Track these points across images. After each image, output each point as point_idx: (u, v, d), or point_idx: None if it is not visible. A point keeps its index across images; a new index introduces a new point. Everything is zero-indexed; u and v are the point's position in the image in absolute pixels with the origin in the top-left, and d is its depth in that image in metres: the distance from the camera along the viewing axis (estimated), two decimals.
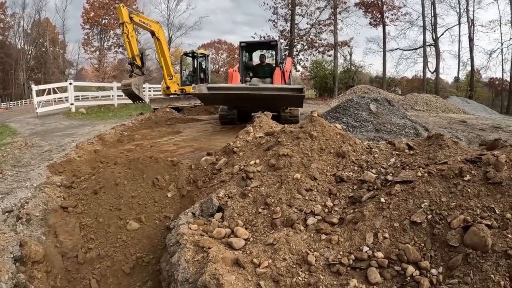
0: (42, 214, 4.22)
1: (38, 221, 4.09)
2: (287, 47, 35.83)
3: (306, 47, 37.83)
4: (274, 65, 12.50)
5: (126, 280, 3.97)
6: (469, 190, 3.17)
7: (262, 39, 33.84)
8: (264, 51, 15.32)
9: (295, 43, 37.06)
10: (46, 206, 4.37)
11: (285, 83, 11.62)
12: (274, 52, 13.59)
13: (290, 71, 14.26)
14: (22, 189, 5.42)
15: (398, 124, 10.03)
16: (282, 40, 37.17)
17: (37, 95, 17.20)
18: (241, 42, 12.75)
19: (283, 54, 15.96)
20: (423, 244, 2.95)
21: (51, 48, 60.82)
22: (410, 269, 2.81)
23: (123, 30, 14.38)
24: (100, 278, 3.97)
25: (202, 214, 3.77)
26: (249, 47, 13.40)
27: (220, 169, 4.96)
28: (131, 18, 14.37)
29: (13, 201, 4.91)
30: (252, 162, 4.40)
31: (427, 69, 42.39)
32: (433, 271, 2.77)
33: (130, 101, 16.48)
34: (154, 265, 3.99)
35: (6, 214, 4.41)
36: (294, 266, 2.96)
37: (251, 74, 12.71)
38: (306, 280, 2.87)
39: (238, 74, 11.75)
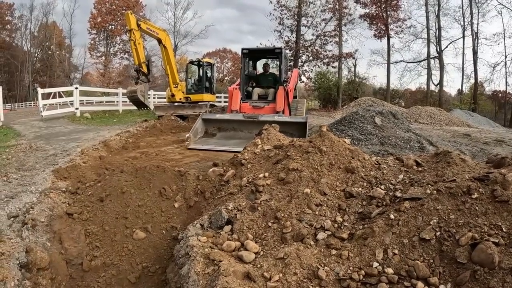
0: (47, 220, 4.20)
1: (44, 227, 4.07)
2: (292, 58, 35.90)
3: (311, 58, 37.97)
4: (278, 75, 11.77)
5: None
6: (477, 208, 3.18)
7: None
8: (269, 60, 14.67)
9: (300, 54, 37.17)
10: (52, 212, 4.36)
11: (288, 104, 11.11)
12: (278, 62, 12.31)
13: (295, 86, 13.76)
14: (27, 193, 5.39)
15: (403, 138, 9.96)
16: (287, 51, 37.31)
17: (43, 98, 17.19)
18: (243, 49, 11.93)
19: (288, 65, 14.92)
20: (432, 261, 2.95)
21: (57, 52, 61.15)
22: (420, 285, 2.80)
23: (130, 37, 14.38)
24: (105, 286, 3.93)
25: (211, 226, 3.74)
26: (251, 54, 12.59)
27: (228, 181, 4.95)
28: (138, 25, 14.39)
29: (18, 206, 4.88)
30: (261, 175, 4.38)
31: (431, 82, 42.49)
32: (442, 287, 2.78)
33: (134, 107, 16.43)
34: (160, 275, 3.96)
35: (12, 219, 4.39)
36: (305, 280, 2.95)
37: (253, 84, 12.23)
38: None
39: (239, 93, 11.19)
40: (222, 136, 9.69)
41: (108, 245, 4.22)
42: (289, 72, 13.70)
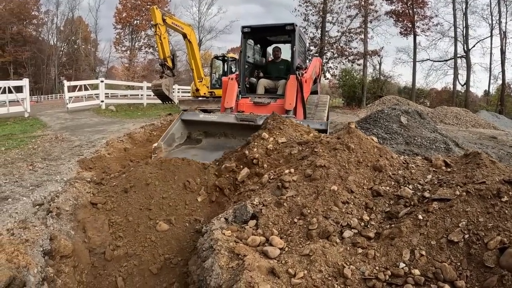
0: (72, 209, 4.22)
1: (68, 215, 4.09)
2: (316, 55, 35.62)
3: (336, 55, 37.67)
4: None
5: (153, 280, 3.92)
6: (506, 211, 3.06)
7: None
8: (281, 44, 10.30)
9: (325, 51, 36.89)
10: (76, 201, 4.38)
11: (303, 101, 8.12)
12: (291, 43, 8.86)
13: (317, 78, 11.06)
14: (53, 182, 5.47)
15: (428, 138, 9.83)
16: (312, 47, 36.95)
17: (69, 91, 17.52)
18: (243, 28, 8.86)
19: (306, 49, 11.56)
20: (459, 264, 2.85)
21: (83, 46, 62.32)
22: None
23: (155, 31, 14.50)
24: (127, 276, 3.93)
25: (236, 220, 3.68)
26: (256, 34, 9.45)
27: (243, 181, 4.90)
28: (164, 20, 14.49)
29: (43, 194, 4.96)
30: (286, 171, 4.29)
31: (457, 82, 41.62)
32: None
33: (159, 101, 16.61)
34: (182, 267, 3.93)
35: (37, 207, 4.44)
36: (330, 278, 2.87)
37: (261, 74, 9.57)
38: None
39: (235, 85, 8.62)
40: (208, 144, 7.45)
41: (131, 236, 4.22)
42: (308, 62, 10.92)
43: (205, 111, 14.80)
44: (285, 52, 9.44)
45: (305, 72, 8.74)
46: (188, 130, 7.65)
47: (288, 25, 8.50)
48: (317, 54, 35.00)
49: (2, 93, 14.37)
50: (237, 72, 9.40)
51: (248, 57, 9.52)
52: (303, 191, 3.86)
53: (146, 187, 4.68)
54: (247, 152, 5.14)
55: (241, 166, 5.06)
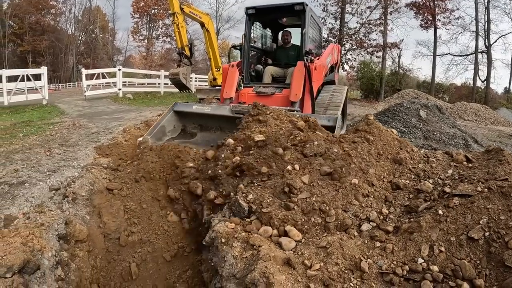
0: (88, 194, 4.23)
1: (84, 200, 4.10)
2: (333, 40, 35.27)
3: (354, 46, 37.28)
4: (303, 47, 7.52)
5: (166, 267, 3.93)
6: None
7: None
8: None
9: (344, 42, 36.48)
10: (92, 187, 4.39)
11: (311, 92, 7.03)
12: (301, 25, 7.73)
13: (335, 66, 9.89)
14: (69, 168, 5.49)
15: (447, 133, 9.64)
16: (331, 38, 36.56)
17: (86, 79, 17.66)
18: (247, 9, 8.00)
19: (321, 32, 9.69)
20: (478, 262, 2.79)
21: (101, 35, 62.84)
22: (465, 286, 2.65)
23: (173, 20, 14.44)
24: (140, 262, 3.95)
25: (234, 216, 3.55)
26: (262, 16, 8.40)
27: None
28: (181, 9, 14.38)
29: (59, 179, 4.98)
30: (289, 168, 3.93)
31: (477, 77, 40.72)
32: None
33: (176, 90, 16.52)
34: (195, 256, 3.93)
35: (53, 191, 4.46)
36: (346, 271, 2.83)
37: (269, 61, 8.56)
38: (357, 287, 2.75)
39: (236, 73, 7.70)
40: (202, 138, 6.66)
41: (145, 223, 4.23)
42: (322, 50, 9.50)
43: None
44: (297, 37, 8.25)
45: (316, 59, 7.67)
46: (183, 122, 6.91)
47: (297, 4, 7.43)
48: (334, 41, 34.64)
49: (20, 81, 14.54)
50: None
51: (255, 42, 8.67)
52: (320, 191, 3.70)
53: (151, 178, 4.69)
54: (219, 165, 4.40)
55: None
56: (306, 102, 7.07)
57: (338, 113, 6.92)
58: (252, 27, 8.32)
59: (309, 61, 6.98)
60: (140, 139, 6.08)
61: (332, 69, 9.48)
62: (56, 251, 3.04)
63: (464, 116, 20.96)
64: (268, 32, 9.41)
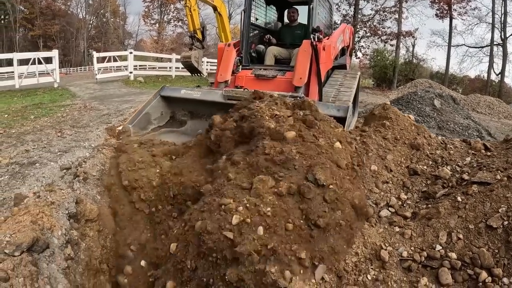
0: (98, 174, 4.18)
1: (95, 180, 4.05)
2: (347, 20, 34.89)
3: (368, 34, 36.87)
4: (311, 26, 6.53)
5: None
6: None
7: None
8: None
9: (357, 29, 35.99)
10: (103, 167, 4.34)
11: (318, 76, 6.03)
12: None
13: (347, 50, 9.10)
14: (80, 148, 5.46)
15: (461, 124, 9.59)
16: None
17: (98, 62, 17.68)
18: None
19: (331, 10, 8.76)
20: (497, 251, 2.75)
21: (112, 19, 62.77)
22: (484, 275, 2.63)
23: (185, 3, 14.31)
24: None
25: None
26: None
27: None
28: None
29: (71, 159, 4.95)
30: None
31: (492, 70, 39.95)
32: (505, 280, 2.59)
33: (187, 73, 16.48)
34: None
35: (64, 171, 4.43)
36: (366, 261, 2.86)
37: (273, 40, 7.47)
38: (375, 276, 2.78)
39: (233, 53, 6.77)
40: (192, 128, 5.90)
41: None
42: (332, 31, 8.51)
43: None
44: (305, 16, 7.23)
45: (326, 38, 6.77)
46: (172, 109, 6.15)
47: None
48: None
49: (31, 64, 14.57)
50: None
51: (257, 19, 7.75)
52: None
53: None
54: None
55: None
56: (312, 87, 6.17)
57: (350, 102, 6.01)
58: (254, 2, 7.53)
59: (316, 39, 6.00)
60: (120, 128, 5.55)
61: (343, 52, 8.72)
62: (66, 229, 3.00)
63: (477, 109, 20.68)
64: (273, 9, 8.56)
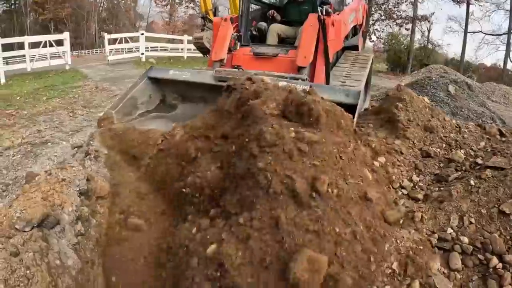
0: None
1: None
2: None
3: (383, 17, 36.16)
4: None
5: None
6: None
7: None
8: None
9: (372, 12, 35.33)
10: None
11: (326, 56, 5.34)
12: None
13: (360, 29, 8.32)
14: (92, 128, 5.49)
15: (476, 111, 9.51)
16: None
17: (109, 44, 17.69)
18: None
19: None
20: (508, 237, 2.71)
21: (123, 1, 62.47)
22: (494, 261, 2.60)
23: None
24: None
25: None
26: None
27: None
28: None
29: (82, 138, 4.97)
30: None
31: (508, 59, 39.00)
32: None
33: (199, 55, 16.42)
34: None
35: (76, 149, 4.45)
36: None
37: (277, 17, 6.68)
38: None
39: (230, 28, 5.97)
40: (182, 112, 5.33)
41: None
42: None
43: None
44: None
45: (336, 13, 6.02)
46: (161, 92, 5.55)
47: None
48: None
49: (43, 47, 14.62)
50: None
51: None
52: None
53: None
54: None
55: None
56: (319, 68, 5.44)
57: (361, 87, 5.30)
58: None
59: (324, 13, 5.22)
60: (101, 114, 5.01)
61: (355, 32, 7.98)
62: (76, 206, 3.03)
63: (492, 97, 20.36)
64: None
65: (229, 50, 5.96)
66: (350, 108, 3.62)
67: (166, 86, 5.41)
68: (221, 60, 5.75)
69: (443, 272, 2.62)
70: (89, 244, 3.02)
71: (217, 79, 4.74)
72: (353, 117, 3.52)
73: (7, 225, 2.58)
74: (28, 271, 2.37)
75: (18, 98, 8.63)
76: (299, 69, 5.22)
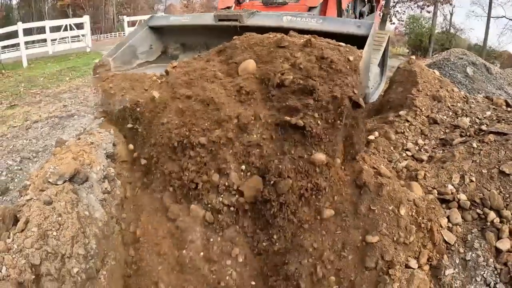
0: None
1: None
2: None
3: None
4: None
5: None
6: None
7: None
8: None
9: None
10: None
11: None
12: None
13: (378, 7, 8.19)
14: None
15: (493, 94, 9.29)
16: None
17: (128, 26, 17.93)
18: None
19: None
20: (507, 195, 2.90)
21: None
22: (492, 215, 2.80)
23: None
24: None
25: None
26: None
27: None
28: None
29: None
30: None
31: None
32: None
33: None
34: None
35: (102, 118, 4.65)
36: None
37: None
38: None
39: None
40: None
41: None
42: None
43: None
44: None
45: None
46: (164, 43, 5.28)
47: None
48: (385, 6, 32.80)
49: (63, 30, 14.88)
50: None
51: None
52: None
53: None
54: None
55: None
56: (331, 3, 5.12)
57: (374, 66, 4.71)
58: None
59: None
60: (97, 61, 4.74)
61: (372, 9, 7.75)
62: (104, 166, 3.28)
63: None
64: None
65: (239, 2, 5.76)
66: (361, 41, 3.43)
67: (167, 35, 5.20)
68: (228, 8, 5.52)
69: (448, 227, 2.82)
70: (114, 202, 3.30)
71: (218, 18, 4.47)
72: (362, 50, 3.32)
73: (41, 182, 2.86)
74: (60, 218, 2.64)
75: (41, 79, 8.91)
76: (310, 9, 5.00)
